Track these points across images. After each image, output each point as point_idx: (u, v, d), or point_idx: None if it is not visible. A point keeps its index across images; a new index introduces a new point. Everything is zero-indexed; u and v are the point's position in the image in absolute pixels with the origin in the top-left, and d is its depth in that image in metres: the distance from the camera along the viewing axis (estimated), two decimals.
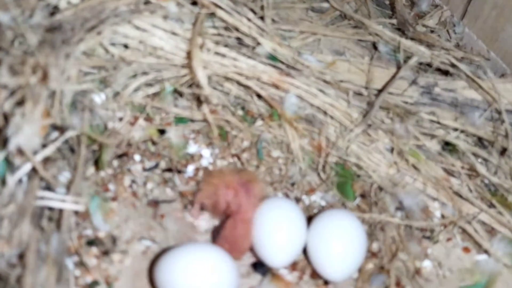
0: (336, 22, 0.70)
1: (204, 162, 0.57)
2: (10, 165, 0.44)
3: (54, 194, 0.46)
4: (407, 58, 0.63)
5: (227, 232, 0.49)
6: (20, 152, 0.43)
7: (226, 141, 0.59)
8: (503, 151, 0.58)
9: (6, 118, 0.43)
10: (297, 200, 0.57)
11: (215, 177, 0.52)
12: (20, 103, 0.43)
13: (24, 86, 0.42)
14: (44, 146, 0.47)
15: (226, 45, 0.57)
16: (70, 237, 0.48)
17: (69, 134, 0.49)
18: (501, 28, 0.68)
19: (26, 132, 0.42)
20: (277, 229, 0.51)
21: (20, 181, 0.44)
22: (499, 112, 0.59)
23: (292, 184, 0.58)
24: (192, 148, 0.58)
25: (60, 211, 0.47)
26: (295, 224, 0.51)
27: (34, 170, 0.45)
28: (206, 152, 0.58)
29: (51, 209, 0.47)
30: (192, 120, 0.59)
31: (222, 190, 0.50)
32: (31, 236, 0.42)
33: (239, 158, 0.58)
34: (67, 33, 0.48)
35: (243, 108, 0.61)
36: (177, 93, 0.58)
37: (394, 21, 0.71)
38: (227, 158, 0.58)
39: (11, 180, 0.43)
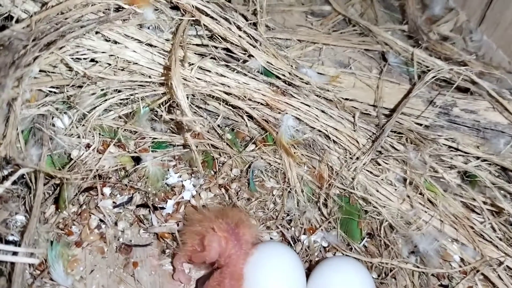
0: (340, 29, 0.62)
1: (187, 195, 0.50)
2: None
3: (4, 245, 0.40)
4: (422, 72, 0.55)
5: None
6: None
7: (212, 170, 0.51)
8: None
9: None
10: (295, 240, 0.49)
11: (198, 221, 0.43)
12: None
13: None
14: None
15: (212, 58, 0.49)
16: None
17: (22, 171, 0.41)
18: None
19: None
20: (271, 280, 0.43)
21: None
22: None
23: (289, 222, 0.50)
24: (172, 179, 0.50)
25: (12, 264, 0.40)
26: (292, 274, 0.45)
27: None
28: (188, 183, 0.50)
29: (1, 262, 0.40)
30: (172, 145, 0.51)
31: (211, 239, 0.42)
32: None
33: (227, 190, 0.50)
34: (18, 52, 0.40)
35: (232, 130, 0.53)
36: (154, 113, 0.50)
37: (405, 27, 0.63)
38: (213, 190, 0.50)
39: None
